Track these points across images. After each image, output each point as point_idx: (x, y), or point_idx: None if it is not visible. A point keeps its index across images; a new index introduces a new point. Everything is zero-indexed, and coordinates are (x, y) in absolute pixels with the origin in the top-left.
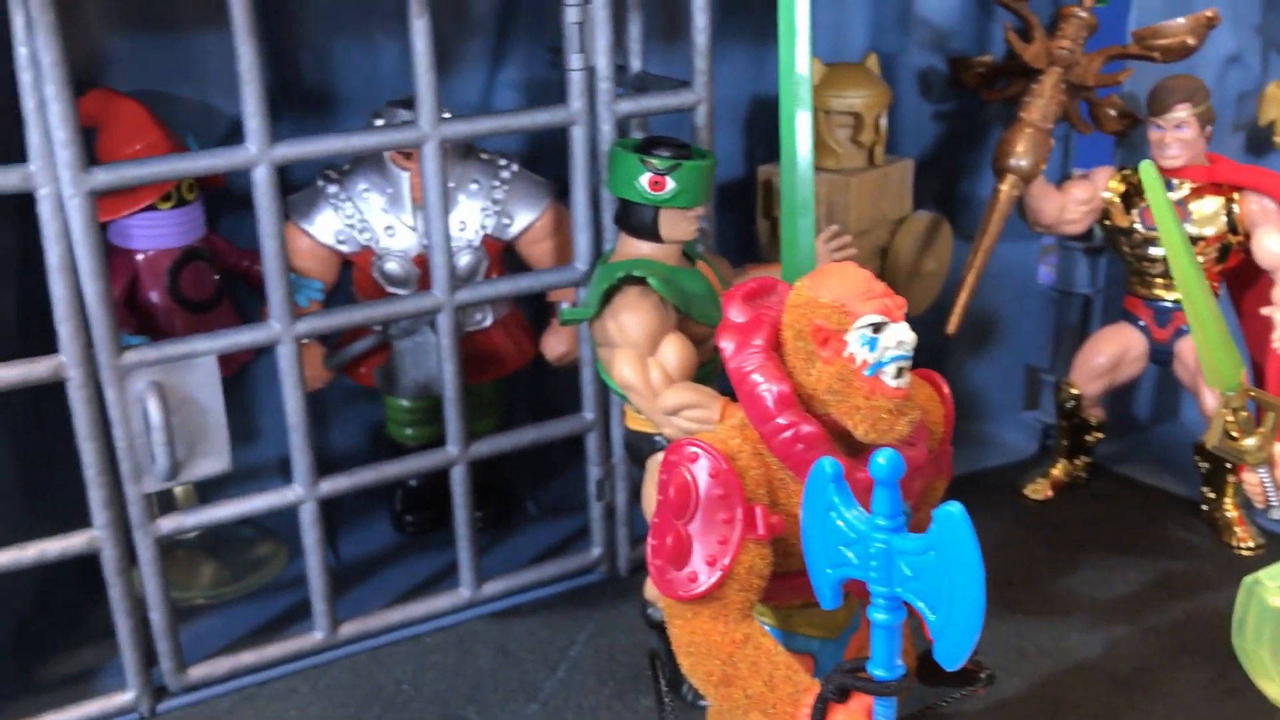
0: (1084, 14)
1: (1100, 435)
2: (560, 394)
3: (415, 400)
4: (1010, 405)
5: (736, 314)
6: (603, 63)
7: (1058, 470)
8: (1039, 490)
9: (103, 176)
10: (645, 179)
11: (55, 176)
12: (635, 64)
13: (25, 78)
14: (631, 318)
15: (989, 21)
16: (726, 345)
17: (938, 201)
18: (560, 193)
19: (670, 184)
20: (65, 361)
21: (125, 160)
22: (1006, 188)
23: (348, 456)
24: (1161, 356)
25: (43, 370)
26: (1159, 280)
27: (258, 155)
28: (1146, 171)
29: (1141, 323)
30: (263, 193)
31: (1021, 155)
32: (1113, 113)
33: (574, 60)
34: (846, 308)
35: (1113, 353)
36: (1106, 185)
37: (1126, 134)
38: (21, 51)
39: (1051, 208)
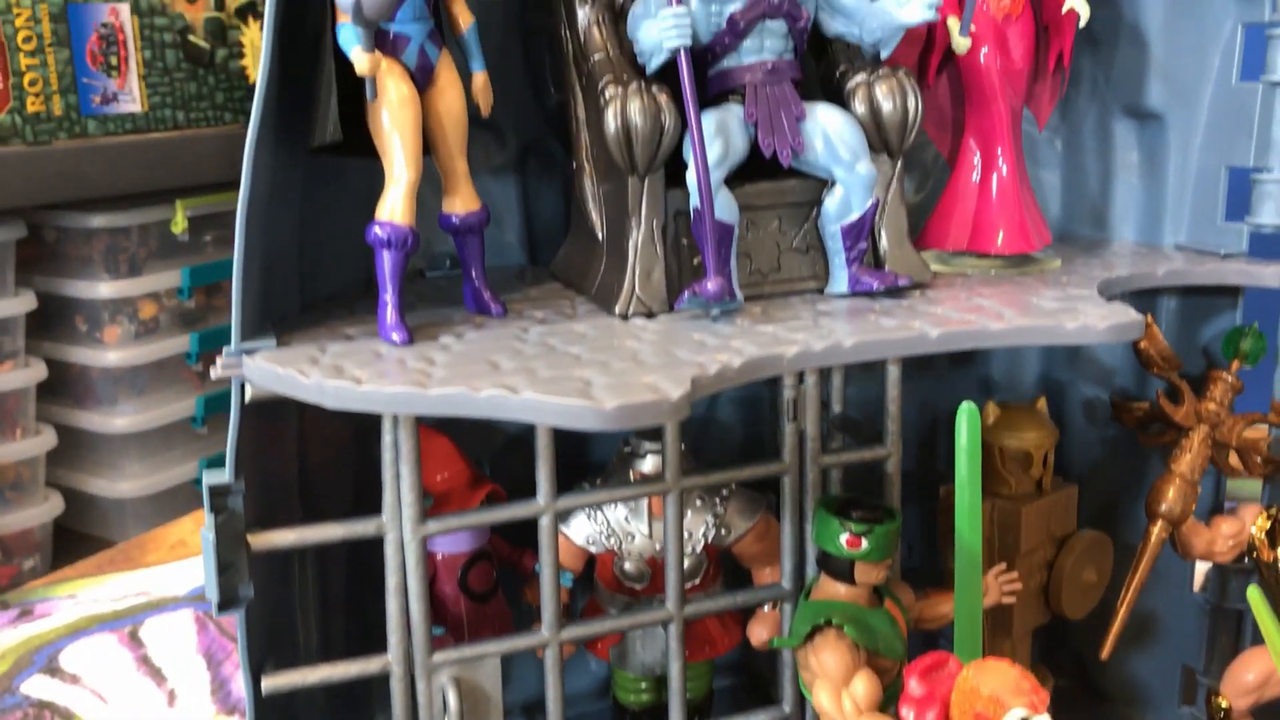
0: (1230, 378)
1: None
2: (761, 668)
3: (642, 676)
4: (1168, 699)
5: (915, 688)
6: (811, 429)
7: None
8: None
9: (433, 526)
10: (844, 538)
11: (400, 526)
12: (836, 407)
13: (386, 456)
14: (830, 656)
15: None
16: (907, 715)
17: (1100, 519)
18: (770, 505)
19: (864, 543)
20: (391, 660)
21: (449, 514)
22: (1157, 530)
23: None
24: None
25: (375, 667)
26: None
27: (544, 506)
28: (1253, 596)
29: None
30: (546, 534)
31: (1171, 503)
32: (1258, 459)
33: (787, 426)
34: (1001, 700)
35: (1262, 670)
36: (1254, 521)
37: (1274, 477)
38: (386, 440)
39: (1200, 543)
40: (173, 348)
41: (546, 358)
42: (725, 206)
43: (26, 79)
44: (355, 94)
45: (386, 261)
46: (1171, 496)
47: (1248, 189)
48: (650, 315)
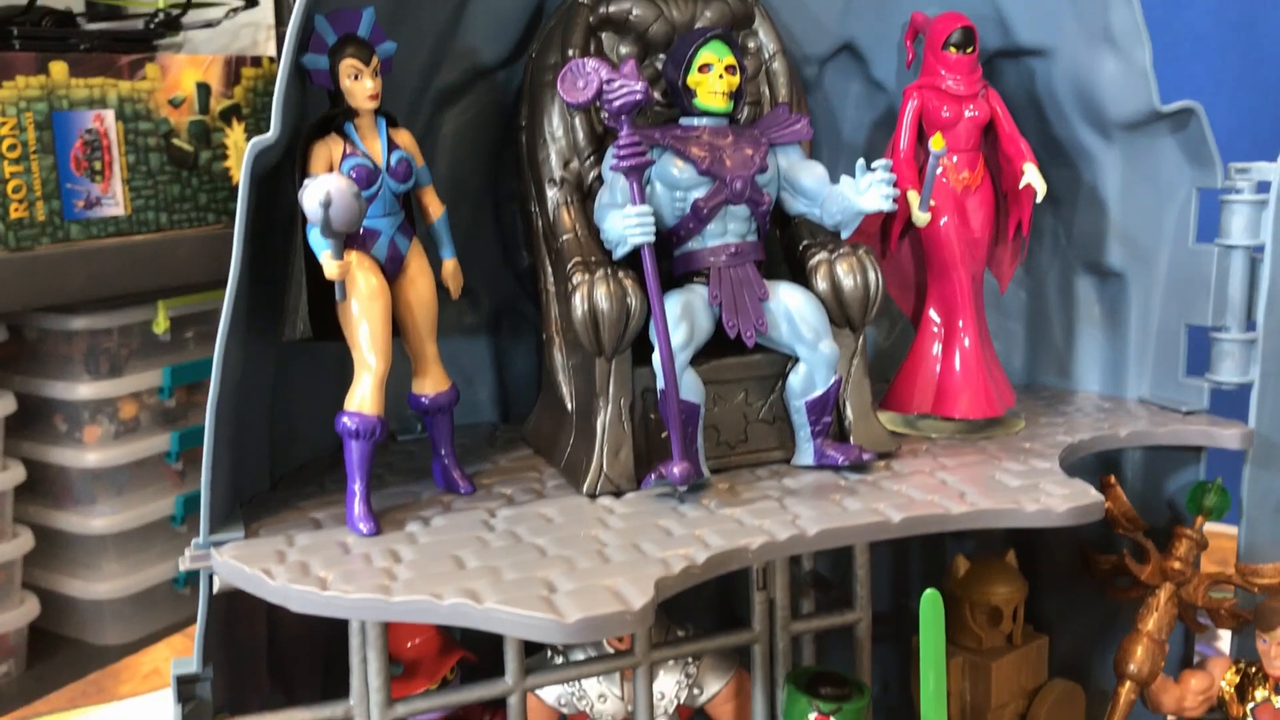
0: (1195, 534)
1: None
2: None
3: None
4: None
5: None
6: (781, 597)
7: None
8: None
9: (401, 710)
10: (812, 716)
11: (367, 712)
12: (807, 564)
13: (354, 642)
14: None
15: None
16: None
17: (1071, 668)
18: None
19: None
20: None
21: (416, 695)
22: (1125, 691)
23: None
24: None
25: None
26: None
27: (513, 686)
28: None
29: None
30: (515, 713)
31: (1139, 664)
32: (1224, 613)
33: (756, 595)
34: None
35: None
36: (1223, 675)
37: (1240, 630)
38: (354, 626)
39: (1170, 700)
40: (153, 447)
41: (512, 553)
42: (691, 387)
43: (10, 185)
44: (326, 283)
45: (355, 451)
46: (1139, 656)
47: (1207, 346)
48: (618, 493)
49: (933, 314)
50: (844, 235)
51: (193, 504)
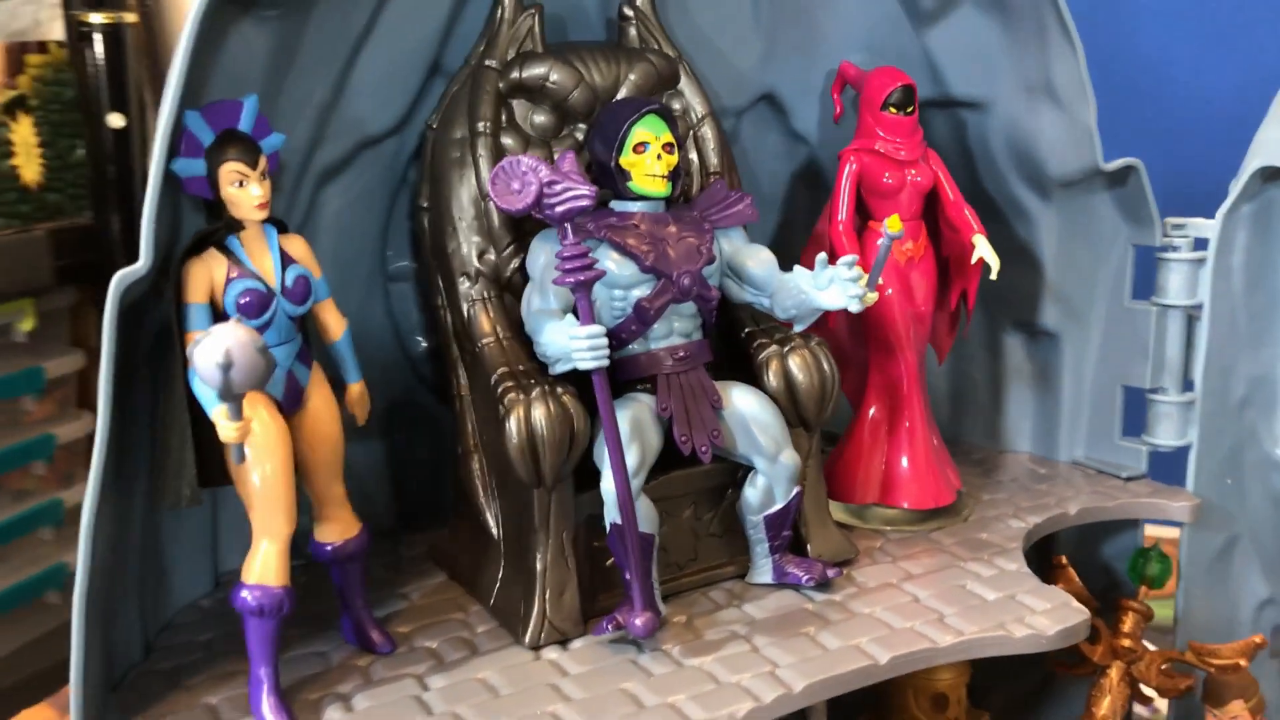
0: (1139, 606)
1: None
2: None
3: None
4: None
5: None
6: None
7: None
8: None
9: None
10: None
11: None
12: None
13: None
14: None
15: None
16: None
17: None
18: None
19: None
20: None
21: None
22: None
23: None
24: None
25: None
26: None
27: None
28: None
29: None
30: None
31: None
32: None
33: None
34: None
35: None
36: None
37: (1182, 696)
38: None
39: None
40: None
41: None
42: (646, 516)
43: None
44: (213, 432)
45: (258, 631)
46: None
47: (1144, 407)
48: (564, 641)
49: (877, 395)
50: (796, 329)
51: None
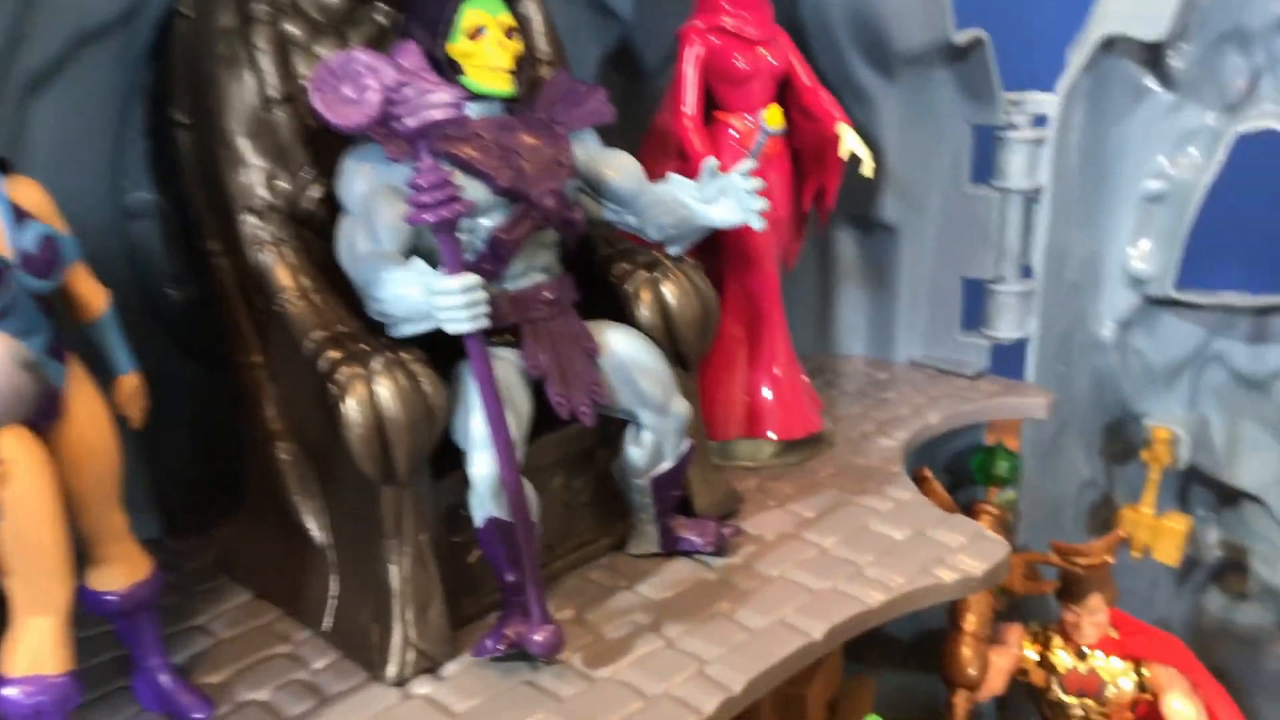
0: (993, 509)
1: None
2: None
3: None
4: None
5: None
6: None
7: None
8: None
9: None
10: None
11: None
12: None
13: None
14: None
15: None
16: None
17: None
18: None
19: None
20: None
21: None
22: (961, 701)
23: None
24: None
25: None
26: None
27: None
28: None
29: None
30: None
31: (972, 666)
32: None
33: None
34: None
35: None
36: (1019, 645)
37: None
38: None
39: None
40: None
41: None
42: (531, 501)
43: None
44: None
45: None
46: (968, 658)
47: (982, 300)
48: (433, 668)
49: (734, 318)
50: (673, 252)
51: None
